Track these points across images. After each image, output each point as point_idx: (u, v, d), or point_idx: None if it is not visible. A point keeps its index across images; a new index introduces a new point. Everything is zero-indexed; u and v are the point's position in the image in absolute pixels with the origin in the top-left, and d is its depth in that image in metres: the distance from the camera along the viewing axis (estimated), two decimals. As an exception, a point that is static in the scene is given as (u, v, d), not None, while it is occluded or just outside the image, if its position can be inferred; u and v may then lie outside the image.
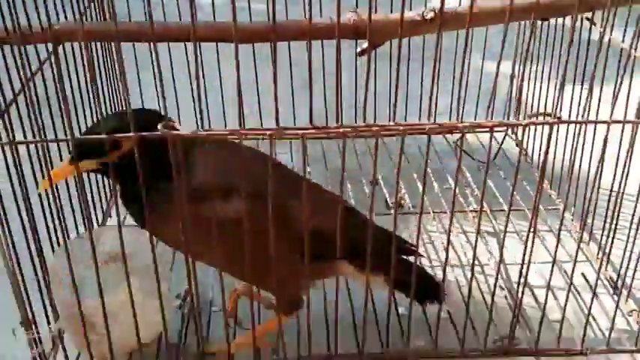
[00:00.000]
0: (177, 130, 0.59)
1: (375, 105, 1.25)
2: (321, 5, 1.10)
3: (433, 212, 1.11)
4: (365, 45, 0.86)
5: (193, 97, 0.81)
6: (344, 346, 0.81)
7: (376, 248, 0.69)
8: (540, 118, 0.62)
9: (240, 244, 0.65)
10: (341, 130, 0.60)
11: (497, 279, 0.76)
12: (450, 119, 1.29)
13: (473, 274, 0.76)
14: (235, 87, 0.57)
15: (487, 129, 0.65)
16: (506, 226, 0.73)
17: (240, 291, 0.86)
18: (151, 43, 0.62)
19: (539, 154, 1.16)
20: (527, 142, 1.22)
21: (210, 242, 0.64)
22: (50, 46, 0.85)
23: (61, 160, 0.75)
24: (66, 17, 0.93)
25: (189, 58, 1.14)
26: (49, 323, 0.75)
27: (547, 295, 0.79)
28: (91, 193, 0.99)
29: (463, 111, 0.86)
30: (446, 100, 1.24)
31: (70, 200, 0.87)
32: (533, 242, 0.73)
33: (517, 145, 1.26)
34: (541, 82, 1.17)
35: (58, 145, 0.76)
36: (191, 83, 0.95)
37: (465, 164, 1.24)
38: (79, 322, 0.69)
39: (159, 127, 0.60)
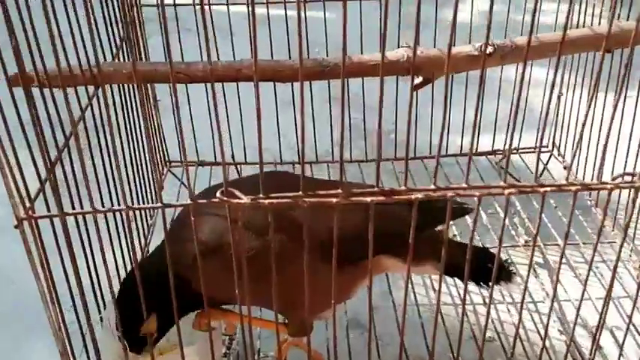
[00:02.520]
0: (240, 198, 0.55)
1: (416, 135, 1.21)
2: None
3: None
4: (419, 80, 0.81)
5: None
6: None
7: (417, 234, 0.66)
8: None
9: (263, 274, 0.63)
10: (412, 196, 0.56)
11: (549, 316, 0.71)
12: (493, 139, 1.25)
13: (521, 314, 0.72)
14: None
15: (570, 189, 0.59)
16: (560, 261, 0.68)
17: (291, 342, 0.83)
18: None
19: (593, 175, 1.11)
20: (578, 166, 1.17)
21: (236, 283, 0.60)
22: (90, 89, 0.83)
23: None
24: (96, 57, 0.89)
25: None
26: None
27: (598, 333, 0.74)
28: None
29: (513, 133, 0.81)
30: (489, 117, 1.19)
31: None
32: (587, 278, 0.68)
33: (564, 168, 1.20)
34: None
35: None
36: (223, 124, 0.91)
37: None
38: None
39: (217, 194, 0.56)
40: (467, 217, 1.06)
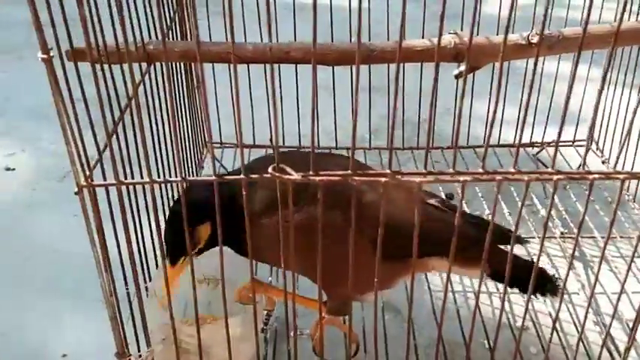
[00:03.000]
0: (290, 174, 0.57)
1: (454, 125, 1.22)
2: (424, 26, 1.08)
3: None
4: (463, 67, 0.82)
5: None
6: None
7: (468, 239, 0.68)
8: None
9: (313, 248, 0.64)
10: (461, 178, 0.57)
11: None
12: (532, 133, 1.25)
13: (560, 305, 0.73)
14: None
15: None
16: (601, 258, 0.69)
17: (327, 320, 0.85)
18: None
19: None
20: (618, 159, 1.16)
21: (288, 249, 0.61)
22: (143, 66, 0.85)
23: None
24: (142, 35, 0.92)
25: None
26: (139, 350, 0.74)
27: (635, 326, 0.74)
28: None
29: (562, 126, 0.81)
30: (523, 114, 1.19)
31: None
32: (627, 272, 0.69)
33: (603, 162, 1.20)
34: None
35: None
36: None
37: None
38: (173, 347, 0.67)
39: (270, 170, 0.57)
40: (504, 205, 1.07)
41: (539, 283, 0.79)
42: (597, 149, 1.23)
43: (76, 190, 0.60)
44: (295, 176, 0.58)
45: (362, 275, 0.64)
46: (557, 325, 0.90)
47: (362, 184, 0.58)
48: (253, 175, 0.59)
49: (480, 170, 0.58)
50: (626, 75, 1.13)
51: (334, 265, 0.65)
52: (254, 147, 1.26)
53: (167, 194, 0.91)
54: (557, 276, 0.81)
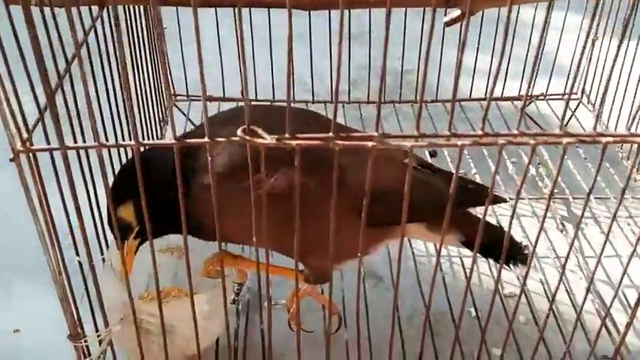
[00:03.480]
0: (264, 138, 0.49)
1: (439, 78, 1.14)
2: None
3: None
4: (456, 13, 0.74)
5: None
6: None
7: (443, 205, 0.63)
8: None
9: (285, 215, 0.58)
10: (459, 142, 0.50)
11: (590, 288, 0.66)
12: (520, 87, 1.18)
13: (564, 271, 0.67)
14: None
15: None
16: (582, 214, 0.62)
17: (304, 291, 0.78)
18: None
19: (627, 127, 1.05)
20: (610, 116, 1.10)
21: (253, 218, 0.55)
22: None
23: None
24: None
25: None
26: (97, 330, 0.67)
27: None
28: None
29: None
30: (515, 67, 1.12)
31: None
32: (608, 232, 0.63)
33: (597, 117, 1.14)
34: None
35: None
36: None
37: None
38: (133, 327, 0.60)
39: (239, 133, 0.49)
40: (490, 162, 1.01)
41: (510, 253, 0.74)
42: (589, 103, 1.16)
43: (12, 156, 0.51)
44: (269, 140, 0.50)
45: (342, 243, 0.57)
46: (549, 290, 0.85)
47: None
48: (220, 139, 0.51)
49: (480, 132, 0.51)
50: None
51: (313, 233, 0.58)
52: (223, 100, 1.17)
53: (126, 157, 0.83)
54: (524, 243, 0.76)
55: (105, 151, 0.54)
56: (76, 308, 0.63)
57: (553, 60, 1.15)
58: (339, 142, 0.50)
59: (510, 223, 0.54)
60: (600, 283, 0.89)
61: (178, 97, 1.20)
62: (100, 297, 0.62)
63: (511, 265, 0.74)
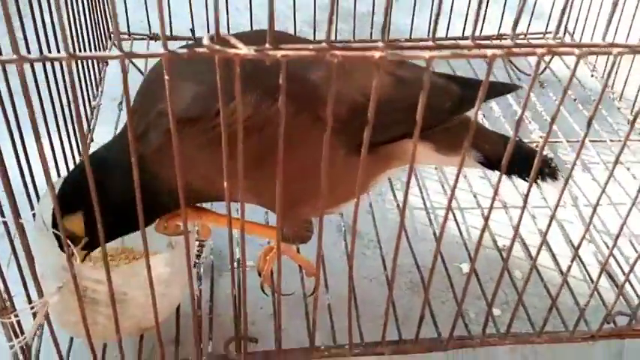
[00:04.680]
0: (238, 48, 0.37)
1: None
2: None
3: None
4: None
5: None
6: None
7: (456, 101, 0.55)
8: None
9: (262, 156, 0.49)
10: (489, 52, 0.39)
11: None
12: (500, 24, 1.08)
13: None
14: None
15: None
16: (576, 160, 0.55)
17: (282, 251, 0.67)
18: None
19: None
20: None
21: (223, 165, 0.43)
22: None
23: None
24: None
25: None
26: (30, 302, 0.55)
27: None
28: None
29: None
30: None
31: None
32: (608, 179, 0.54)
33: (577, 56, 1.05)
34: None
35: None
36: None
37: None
38: (75, 297, 0.48)
39: (205, 42, 0.38)
40: (493, 101, 0.92)
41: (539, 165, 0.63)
42: (572, 41, 1.08)
43: None
44: (245, 50, 0.38)
45: (337, 180, 0.46)
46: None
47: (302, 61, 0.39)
48: (180, 50, 0.39)
49: (510, 42, 0.41)
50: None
51: (296, 173, 0.47)
52: (171, 39, 1.04)
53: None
54: (551, 156, 0.67)
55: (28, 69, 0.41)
56: (2, 277, 0.51)
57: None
58: (338, 52, 0.39)
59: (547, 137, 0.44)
60: (596, 234, 0.81)
61: (121, 35, 1.06)
62: (31, 262, 0.50)
63: (539, 181, 0.64)
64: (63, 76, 0.65)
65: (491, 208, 0.48)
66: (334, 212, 0.64)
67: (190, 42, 0.94)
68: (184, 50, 0.38)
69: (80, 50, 0.86)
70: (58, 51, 0.39)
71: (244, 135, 0.39)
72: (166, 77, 0.39)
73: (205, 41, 0.38)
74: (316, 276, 0.50)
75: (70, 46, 0.39)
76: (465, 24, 1.06)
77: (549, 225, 0.51)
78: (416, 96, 0.42)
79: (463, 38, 1.06)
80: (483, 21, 1.06)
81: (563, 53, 0.41)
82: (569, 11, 1.05)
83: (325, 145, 0.40)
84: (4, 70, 0.49)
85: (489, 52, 0.40)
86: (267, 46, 0.38)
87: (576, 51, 0.41)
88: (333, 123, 0.40)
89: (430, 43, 0.40)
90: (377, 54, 0.39)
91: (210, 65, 0.38)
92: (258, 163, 0.48)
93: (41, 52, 0.61)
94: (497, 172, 0.53)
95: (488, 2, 1.01)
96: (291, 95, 0.41)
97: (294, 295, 0.67)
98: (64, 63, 0.38)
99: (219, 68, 0.38)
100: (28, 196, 0.62)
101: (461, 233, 0.76)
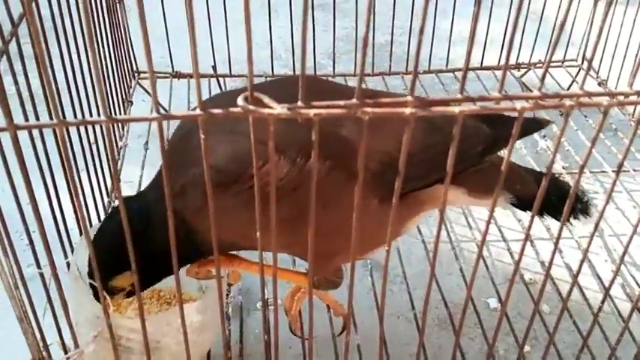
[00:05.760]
0: (271, 107, 0.38)
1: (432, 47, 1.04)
2: None
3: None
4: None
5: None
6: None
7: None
8: None
9: (297, 212, 0.50)
10: (518, 105, 0.40)
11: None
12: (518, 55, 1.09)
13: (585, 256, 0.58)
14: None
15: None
16: (610, 192, 0.53)
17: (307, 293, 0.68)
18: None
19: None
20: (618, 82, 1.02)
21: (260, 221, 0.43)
22: None
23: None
24: None
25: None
26: (66, 352, 0.56)
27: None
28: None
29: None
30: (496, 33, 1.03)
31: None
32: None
33: (599, 84, 1.06)
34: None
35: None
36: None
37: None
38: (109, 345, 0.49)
39: (240, 102, 0.38)
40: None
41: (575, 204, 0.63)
42: (591, 70, 1.08)
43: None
44: (278, 109, 0.39)
45: (366, 230, 0.46)
46: (568, 275, 0.77)
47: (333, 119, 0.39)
48: (215, 111, 0.40)
49: (537, 93, 0.42)
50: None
51: (330, 229, 0.48)
52: (192, 77, 1.05)
53: (88, 140, 0.71)
54: (584, 190, 0.66)
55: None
56: (39, 327, 0.52)
57: (553, 28, 1.06)
58: (369, 109, 0.39)
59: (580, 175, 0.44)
60: (627, 267, 0.81)
61: (142, 75, 1.08)
62: (67, 311, 0.51)
63: (571, 219, 0.64)
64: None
65: (522, 252, 0.48)
66: (366, 259, 0.64)
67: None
68: (219, 111, 0.39)
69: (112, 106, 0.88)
70: (79, 99, 0.40)
71: (279, 194, 0.40)
72: (202, 136, 0.40)
73: (240, 101, 0.39)
74: (347, 321, 0.50)
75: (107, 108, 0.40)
76: (500, 51, 1.07)
77: (580, 268, 0.51)
78: (447, 144, 0.42)
79: (497, 68, 1.07)
80: (502, 48, 1.07)
81: (592, 105, 0.42)
82: (587, 39, 1.05)
83: (357, 198, 0.41)
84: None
85: (518, 105, 0.40)
86: (299, 104, 0.39)
87: (604, 102, 0.41)
88: (366, 175, 0.41)
89: (459, 96, 0.40)
90: (407, 110, 0.39)
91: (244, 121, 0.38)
92: (292, 220, 0.49)
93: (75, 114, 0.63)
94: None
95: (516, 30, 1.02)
96: (324, 153, 0.41)
97: (323, 334, 0.67)
98: (103, 125, 0.39)
99: (252, 127, 0.40)
100: (61, 241, 0.63)
101: (487, 267, 0.76)
